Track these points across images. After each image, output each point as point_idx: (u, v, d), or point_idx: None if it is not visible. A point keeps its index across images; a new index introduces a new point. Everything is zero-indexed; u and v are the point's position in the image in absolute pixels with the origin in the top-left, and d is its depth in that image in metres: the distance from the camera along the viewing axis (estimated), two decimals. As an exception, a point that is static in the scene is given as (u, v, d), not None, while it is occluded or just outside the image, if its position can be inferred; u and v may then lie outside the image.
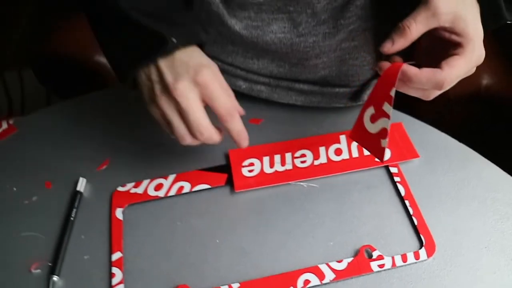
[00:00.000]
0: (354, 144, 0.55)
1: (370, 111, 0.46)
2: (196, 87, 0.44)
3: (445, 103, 0.59)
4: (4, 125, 0.62)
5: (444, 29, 0.45)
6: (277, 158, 0.54)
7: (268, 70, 0.57)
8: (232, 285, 0.44)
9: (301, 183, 0.52)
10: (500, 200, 0.50)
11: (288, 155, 0.54)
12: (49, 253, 0.48)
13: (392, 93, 0.43)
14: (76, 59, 1.01)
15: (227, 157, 0.55)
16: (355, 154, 0.54)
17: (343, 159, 0.53)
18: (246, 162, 0.54)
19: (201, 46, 0.48)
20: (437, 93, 0.47)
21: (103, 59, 1.02)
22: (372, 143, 0.47)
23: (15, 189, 0.54)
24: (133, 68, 0.46)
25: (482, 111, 0.88)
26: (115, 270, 0.46)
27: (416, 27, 0.44)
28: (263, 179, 0.52)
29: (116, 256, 0.47)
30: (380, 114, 0.45)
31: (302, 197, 0.51)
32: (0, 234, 0.50)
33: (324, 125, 0.58)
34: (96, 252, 0.48)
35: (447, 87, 0.45)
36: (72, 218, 0.50)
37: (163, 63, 0.44)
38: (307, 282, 0.44)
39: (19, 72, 1.39)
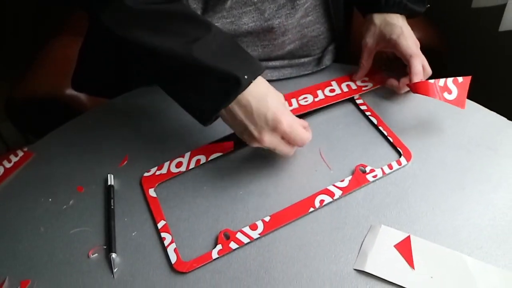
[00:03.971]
0: (344, 84, 0.68)
1: None
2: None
3: (385, 61, 0.72)
4: (20, 153, 0.68)
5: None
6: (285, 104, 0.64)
7: (244, 55, 0.68)
8: (264, 219, 0.54)
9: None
10: (449, 110, 0.63)
11: (293, 100, 0.66)
12: (100, 239, 0.56)
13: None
14: (50, 96, 1.06)
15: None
16: (345, 89, 0.67)
17: (336, 94, 0.66)
18: None
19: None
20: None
21: (74, 92, 1.08)
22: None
23: (50, 199, 0.61)
24: (216, 112, 0.52)
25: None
26: (164, 234, 0.54)
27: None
28: None
29: (161, 224, 0.55)
30: None
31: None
32: (51, 237, 0.57)
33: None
34: (141, 227, 0.56)
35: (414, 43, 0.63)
36: (112, 207, 0.58)
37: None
38: (322, 201, 0.54)
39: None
